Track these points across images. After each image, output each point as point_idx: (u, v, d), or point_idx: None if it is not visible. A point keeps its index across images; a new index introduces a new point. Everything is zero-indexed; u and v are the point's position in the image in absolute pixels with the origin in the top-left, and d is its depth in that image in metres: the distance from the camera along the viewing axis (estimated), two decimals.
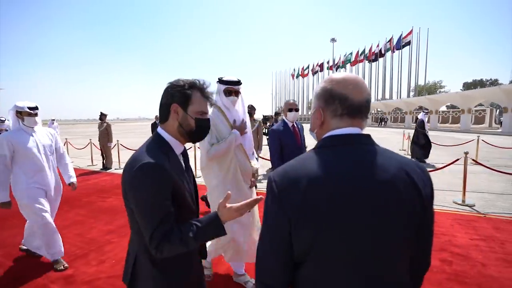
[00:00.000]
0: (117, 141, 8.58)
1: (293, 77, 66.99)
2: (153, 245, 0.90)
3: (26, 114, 2.52)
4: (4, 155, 2.40)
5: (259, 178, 6.36)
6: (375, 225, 0.63)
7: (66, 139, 10.80)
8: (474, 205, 4.32)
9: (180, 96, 1.01)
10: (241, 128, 2.17)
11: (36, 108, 2.57)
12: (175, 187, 0.97)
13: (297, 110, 2.90)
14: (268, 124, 7.74)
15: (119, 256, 2.85)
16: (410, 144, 8.82)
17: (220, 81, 2.14)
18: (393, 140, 15.21)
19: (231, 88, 2.12)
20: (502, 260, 2.71)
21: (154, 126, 10.14)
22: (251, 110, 5.76)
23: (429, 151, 8.15)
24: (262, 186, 5.69)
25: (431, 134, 9.03)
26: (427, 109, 10.20)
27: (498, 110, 28.60)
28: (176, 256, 0.99)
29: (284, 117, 2.93)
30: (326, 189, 0.64)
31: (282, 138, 2.80)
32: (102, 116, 8.01)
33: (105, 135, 7.92)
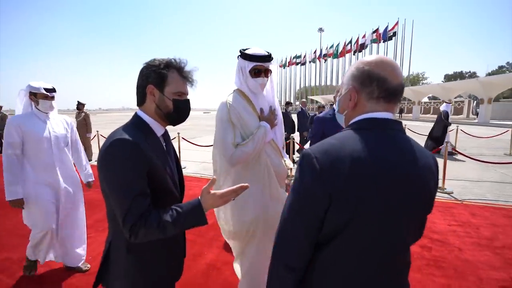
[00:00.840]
0: (97, 131, 8.23)
1: (280, 67, 66.64)
2: (127, 227, 0.84)
3: (41, 97, 2.09)
4: (13, 142, 2.02)
5: None
6: (409, 211, 0.67)
7: None
8: (453, 192, 4.48)
9: (155, 77, 0.95)
10: (271, 119, 1.66)
11: (54, 90, 2.16)
12: (153, 169, 0.91)
13: None
14: None
15: (97, 251, 2.72)
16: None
17: (244, 55, 1.57)
18: None
19: (260, 66, 1.56)
20: (477, 245, 2.82)
21: None
22: None
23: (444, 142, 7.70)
24: None
25: (415, 125, 9.25)
26: (449, 100, 9.96)
27: (475, 102, 29.84)
28: (154, 247, 0.96)
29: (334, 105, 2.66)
30: (370, 172, 0.64)
31: (326, 128, 2.40)
32: (80, 106, 7.62)
33: (83, 125, 7.55)
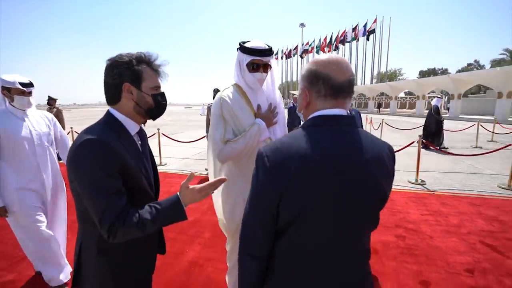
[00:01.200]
0: (71, 128, 7.82)
1: None
2: (104, 227, 0.82)
3: (16, 92, 1.86)
4: None
5: None
6: (354, 199, 0.71)
7: None
8: (425, 183, 4.73)
9: (130, 74, 0.92)
10: (269, 117, 1.56)
11: (31, 85, 1.93)
12: (126, 167, 0.89)
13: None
14: None
15: (71, 254, 2.61)
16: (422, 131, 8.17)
17: (242, 48, 1.50)
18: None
19: (259, 60, 1.48)
20: (446, 232, 3.01)
21: None
22: (217, 93, 5.56)
23: (441, 138, 7.81)
24: None
25: (392, 119, 9.60)
26: (440, 95, 10.24)
27: (446, 97, 31.55)
28: (126, 246, 0.94)
29: None
30: (315, 166, 0.69)
31: None
32: (51, 101, 7.17)
33: None
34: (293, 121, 7.10)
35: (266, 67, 1.52)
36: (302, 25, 55.07)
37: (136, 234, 0.86)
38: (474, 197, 4.09)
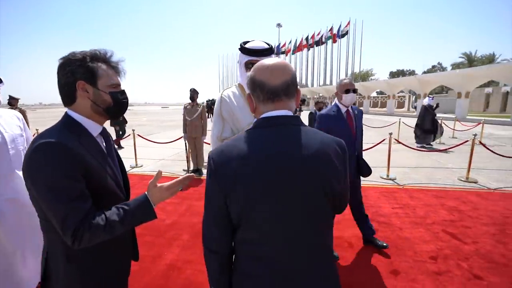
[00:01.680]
0: (36, 130, 7.29)
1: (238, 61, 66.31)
2: (68, 234, 0.78)
3: None
4: None
5: None
6: (297, 194, 0.74)
7: None
8: (395, 178, 5.02)
9: (83, 72, 0.88)
10: None
11: (0, 81, 1.74)
12: (89, 170, 0.85)
13: (355, 91, 2.36)
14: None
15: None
16: (414, 130, 8.47)
17: (242, 49, 1.51)
18: None
19: (255, 60, 1.49)
20: (414, 223, 3.22)
21: None
22: (194, 94, 5.48)
23: (435, 135, 8.05)
24: None
25: (365, 117, 10.02)
26: (432, 95, 10.32)
27: (414, 97, 33.62)
28: (97, 252, 0.92)
29: (337, 101, 2.44)
30: (254, 165, 0.73)
31: (332, 125, 2.35)
32: (12, 101, 6.63)
33: None
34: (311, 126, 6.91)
35: None
36: (279, 25, 55.66)
37: (104, 237, 0.83)
38: (438, 190, 4.41)
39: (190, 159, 5.72)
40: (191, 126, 5.43)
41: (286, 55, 51.23)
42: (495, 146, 8.16)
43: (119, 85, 0.97)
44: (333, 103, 2.51)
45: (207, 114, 5.76)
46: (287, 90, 0.78)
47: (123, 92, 0.98)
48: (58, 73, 0.89)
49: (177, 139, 6.71)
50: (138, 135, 6.54)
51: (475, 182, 4.78)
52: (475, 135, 5.02)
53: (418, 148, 6.07)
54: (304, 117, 7.78)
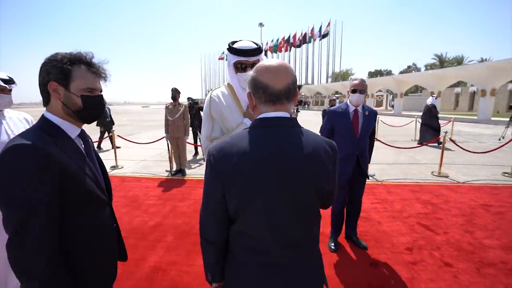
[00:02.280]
0: None
1: (221, 59, 65.92)
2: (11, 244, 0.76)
3: None
4: None
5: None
6: (289, 191, 0.79)
7: None
8: (374, 175, 5.23)
9: (57, 72, 0.87)
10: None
11: (12, 81, 1.70)
12: (67, 174, 0.84)
13: (362, 92, 2.37)
14: (196, 107, 7.30)
15: None
16: (420, 128, 8.52)
17: (230, 49, 1.51)
18: (317, 121, 16.92)
19: (244, 61, 1.48)
20: (391, 217, 3.39)
21: None
22: (175, 93, 5.39)
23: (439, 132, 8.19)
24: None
25: None
26: (435, 94, 10.35)
27: (391, 96, 35.08)
28: (84, 254, 0.91)
29: (347, 99, 2.52)
30: (252, 163, 0.78)
31: (336, 122, 2.46)
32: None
33: None
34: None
35: (254, 67, 1.54)
36: (261, 24, 55.81)
37: (27, 266, 0.77)
38: (414, 185, 4.66)
39: (173, 159, 5.63)
40: (173, 126, 5.34)
41: (270, 51, 51.51)
42: (464, 142, 8.72)
43: (96, 89, 0.95)
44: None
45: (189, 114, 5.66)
46: (288, 94, 0.82)
47: (99, 97, 0.95)
48: (38, 72, 0.89)
49: (159, 139, 6.57)
50: (118, 135, 6.33)
51: (446, 177, 5.09)
52: (446, 132, 5.35)
53: (395, 146, 6.37)
54: (304, 117, 7.86)
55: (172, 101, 5.39)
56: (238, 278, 0.86)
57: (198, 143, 7.10)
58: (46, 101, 0.91)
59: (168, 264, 2.45)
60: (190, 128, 6.47)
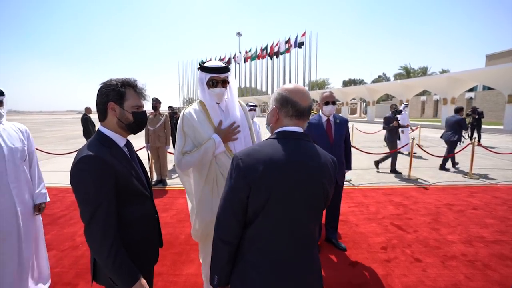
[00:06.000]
0: None
1: (198, 69, 65.37)
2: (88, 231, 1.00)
3: None
4: None
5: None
6: (305, 195, 0.92)
7: None
8: (351, 180, 5.52)
9: (114, 94, 1.09)
10: (227, 132, 1.66)
11: (2, 93, 1.78)
12: (119, 176, 1.07)
13: (334, 103, 2.65)
14: (176, 117, 7.24)
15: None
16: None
17: (201, 68, 1.68)
18: None
19: (216, 77, 1.63)
20: (367, 219, 3.62)
21: (84, 121, 7.72)
22: (156, 103, 5.37)
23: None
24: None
25: None
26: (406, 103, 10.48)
27: (364, 104, 36.98)
28: (135, 240, 1.12)
29: (320, 111, 2.74)
30: (277, 167, 0.89)
31: (312, 133, 2.63)
32: None
33: None
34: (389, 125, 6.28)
35: (224, 83, 1.67)
36: (239, 34, 56.64)
37: (95, 248, 1.00)
38: (387, 188, 4.99)
39: (154, 169, 5.54)
40: (153, 136, 5.29)
41: (248, 60, 52.26)
42: (430, 147, 9.44)
43: (142, 106, 1.18)
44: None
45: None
46: (309, 112, 0.99)
47: (143, 112, 1.19)
48: (97, 95, 1.11)
49: (139, 149, 6.44)
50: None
51: (416, 180, 5.51)
52: (413, 138, 5.80)
53: (369, 152, 6.77)
54: None
55: (152, 110, 5.35)
56: (246, 279, 0.93)
57: None
58: (103, 118, 1.12)
59: (154, 275, 2.43)
60: (171, 137, 6.42)
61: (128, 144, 1.24)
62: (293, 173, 0.90)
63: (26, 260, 1.86)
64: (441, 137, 6.73)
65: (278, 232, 0.92)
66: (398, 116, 6.45)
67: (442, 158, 6.46)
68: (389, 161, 6.32)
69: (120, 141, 1.16)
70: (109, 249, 0.99)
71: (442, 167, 6.36)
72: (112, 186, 1.04)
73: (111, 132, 1.14)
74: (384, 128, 6.35)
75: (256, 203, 0.90)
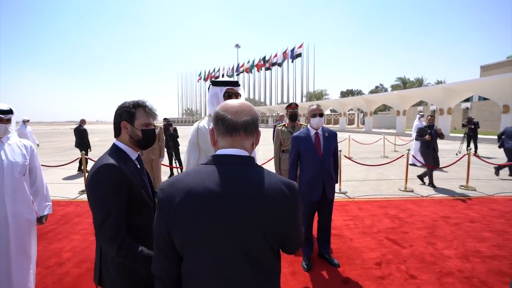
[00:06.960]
0: None
1: (198, 80, 66.34)
2: (100, 236, 1.10)
3: None
4: None
5: None
6: (235, 234, 0.76)
7: None
8: (346, 192, 5.46)
9: (126, 115, 1.25)
10: None
11: (10, 112, 1.86)
12: (130, 185, 1.17)
13: (321, 115, 2.61)
14: (171, 129, 7.23)
15: None
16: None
17: (216, 83, 1.81)
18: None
19: (231, 89, 1.77)
20: (362, 233, 3.55)
21: (82, 131, 7.71)
22: None
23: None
24: None
25: None
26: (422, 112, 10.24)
27: (362, 114, 37.28)
28: (142, 243, 1.15)
29: (309, 124, 2.72)
30: (197, 199, 0.76)
31: (300, 147, 2.64)
32: None
33: None
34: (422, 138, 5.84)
35: (237, 96, 1.82)
36: (237, 46, 57.66)
37: (112, 252, 1.11)
38: (382, 200, 4.93)
39: None
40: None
41: (247, 71, 52.94)
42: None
43: (150, 124, 1.30)
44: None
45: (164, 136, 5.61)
46: (246, 127, 0.82)
47: (152, 130, 1.31)
48: (114, 115, 1.27)
49: None
50: (89, 158, 6.06)
51: (412, 191, 5.45)
52: (408, 150, 5.79)
53: (365, 163, 6.74)
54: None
55: None
56: None
57: (174, 165, 6.98)
58: (118, 134, 1.28)
59: None
60: (166, 149, 6.39)
61: (139, 158, 1.36)
62: (219, 207, 0.75)
63: (15, 275, 1.88)
64: (499, 147, 7.04)
65: (206, 275, 0.77)
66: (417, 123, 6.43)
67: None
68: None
69: (133, 154, 1.29)
70: (116, 250, 1.08)
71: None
72: (125, 194, 1.15)
73: (124, 145, 1.27)
74: (416, 139, 6.32)
75: (177, 240, 0.78)
